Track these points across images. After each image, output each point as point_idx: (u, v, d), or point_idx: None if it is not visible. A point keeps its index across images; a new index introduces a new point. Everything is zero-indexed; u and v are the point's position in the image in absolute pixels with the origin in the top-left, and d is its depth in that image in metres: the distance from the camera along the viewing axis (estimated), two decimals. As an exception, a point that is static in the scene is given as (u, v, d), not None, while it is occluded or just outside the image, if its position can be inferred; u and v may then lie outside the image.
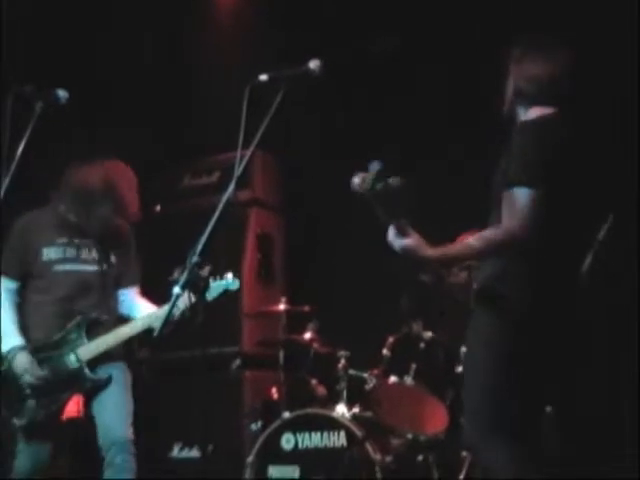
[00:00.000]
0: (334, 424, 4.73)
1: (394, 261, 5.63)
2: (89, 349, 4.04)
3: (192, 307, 3.48)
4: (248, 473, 4.86)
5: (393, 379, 4.84)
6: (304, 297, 5.56)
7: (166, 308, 3.55)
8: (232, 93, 3.32)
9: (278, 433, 4.84)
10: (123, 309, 4.31)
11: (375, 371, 4.93)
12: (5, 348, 4.00)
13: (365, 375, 4.96)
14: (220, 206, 3.04)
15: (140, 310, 4.25)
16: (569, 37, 3.35)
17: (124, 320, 4.21)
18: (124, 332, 4.09)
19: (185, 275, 2.97)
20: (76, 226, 4.17)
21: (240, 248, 6.08)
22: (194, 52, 6.25)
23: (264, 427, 4.99)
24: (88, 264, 4.15)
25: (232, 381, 5.81)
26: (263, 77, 3.11)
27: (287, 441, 4.82)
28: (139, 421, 4.15)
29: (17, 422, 3.98)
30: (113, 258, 4.20)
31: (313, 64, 3.11)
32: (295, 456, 4.79)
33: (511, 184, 2.97)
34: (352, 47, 5.73)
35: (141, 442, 4.11)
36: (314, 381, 5.28)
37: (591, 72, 3.65)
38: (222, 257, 4.07)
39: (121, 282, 4.28)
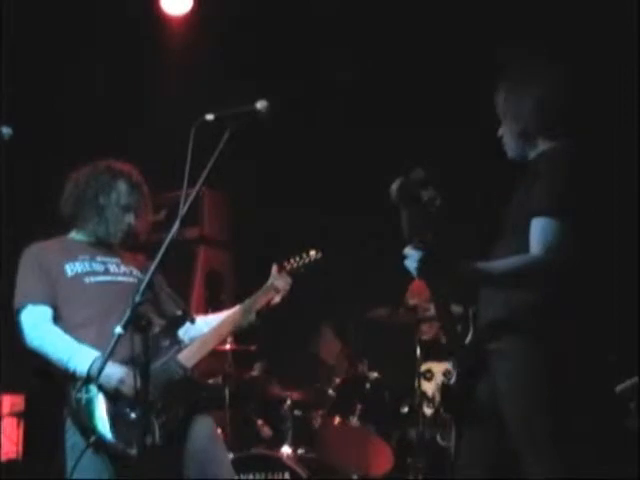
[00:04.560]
0: (279, 465, 4.69)
1: (341, 301, 5.73)
2: (190, 354, 3.51)
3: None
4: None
5: (338, 419, 4.83)
6: (251, 336, 5.53)
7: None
8: (180, 131, 3.32)
9: (222, 474, 4.78)
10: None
11: (320, 411, 4.92)
12: (82, 366, 3.28)
13: (311, 416, 4.95)
14: (164, 245, 3.01)
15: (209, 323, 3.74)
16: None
17: None
18: (224, 329, 3.64)
19: (127, 314, 2.93)
20: (95, 245, 3.65)
21: (188, 285, 6.05)
22: (143, 90, 6.24)
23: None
24: (120, 276, 3.60)
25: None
26: (209, 116, 3.10)
27: (231, 483, 4.77)
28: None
29: (131, 452, 3.17)
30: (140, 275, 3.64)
31: (260, 104, 3.11)
32: (240, 498, 4.73)
33: (540, 213, 2.91)
34: (301, 77, 5.80)
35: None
36: (260, 421, 5.25)
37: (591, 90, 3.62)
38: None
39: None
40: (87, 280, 3.54)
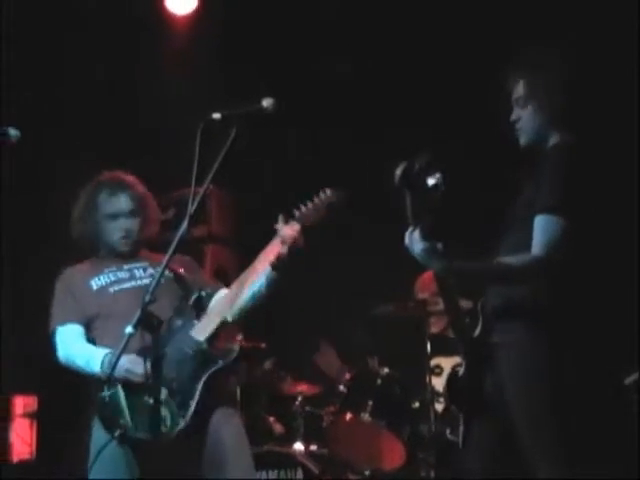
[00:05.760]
0: (291, 462, 4.70)
1: (350, 296, 5.73)
2: (204, 326, 3.48)
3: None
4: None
5: (350, 415, 4.83)
6: (261, 333, 5.54)
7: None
8: (187, 130, 3.32)
9: (235, 472, 4.78)
10: None
11: (332, 408, 4.92)
12: (97, 366, 3.42)
13: (322, 412, 4.95)
14: (173, 244, 3.02)
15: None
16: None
17: None
18: (243, 296, 3.54)
19: (137, 314, 2.94)
20: (120, 255, 3.75)
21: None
22: (148, 88, 6.23)
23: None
24: (146, 279, 3.66)
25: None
26: (216, 115, 3.11)
27: (244, 480, 4.77)
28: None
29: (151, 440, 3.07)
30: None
31: (266, 102, 3.12)
32: (252, 495, 4.73)
33: (547, 210, 2.88)
34: (304, 76, 5.80)
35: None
36: (271, 418, 5.25)
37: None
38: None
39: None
40: (112, 290, 3.65)
